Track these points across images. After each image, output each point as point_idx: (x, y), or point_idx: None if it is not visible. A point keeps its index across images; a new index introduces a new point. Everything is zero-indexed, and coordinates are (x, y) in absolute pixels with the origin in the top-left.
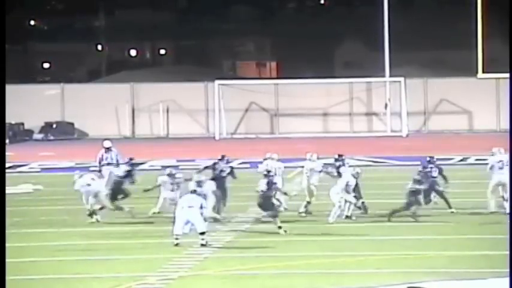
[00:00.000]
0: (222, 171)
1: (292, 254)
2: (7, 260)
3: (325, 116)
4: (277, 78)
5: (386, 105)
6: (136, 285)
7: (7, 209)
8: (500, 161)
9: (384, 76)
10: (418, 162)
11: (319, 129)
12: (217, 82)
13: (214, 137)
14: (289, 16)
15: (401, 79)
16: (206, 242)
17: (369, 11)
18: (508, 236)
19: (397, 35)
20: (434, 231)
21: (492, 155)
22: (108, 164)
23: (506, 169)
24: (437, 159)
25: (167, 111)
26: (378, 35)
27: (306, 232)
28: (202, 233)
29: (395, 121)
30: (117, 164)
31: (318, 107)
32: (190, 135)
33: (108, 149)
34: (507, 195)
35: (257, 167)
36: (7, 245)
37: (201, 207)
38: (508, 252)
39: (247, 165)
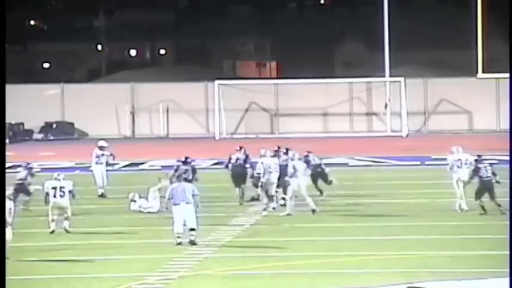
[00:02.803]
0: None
1: (292, 254)
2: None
3: (325, 116)
4: (277, 78)
5: (386, 105)
6: (136, 285)
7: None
8: (458, 159)
9: (383, 76)
10: (418, 162)
11: (319, 129)
12: (217, 82)
13: (214, 137)
14: (290, 16)
15: (401, 79)
16: (195, 239)
17: (369, 10)
18: (508, 236)
19: (397, 35)
20: (434, 231)
21: (451, 154)
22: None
23: (465, 168)
24: (436, 159)
25: (167, 111)
26: (378, 35)
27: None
28: (193, 229)
29: (395, 121)
30: (107, 164)
31: (318, 106)
32: (190, 135)
33: (101, 148)
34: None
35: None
36: (7, 245)
37: (194, 195)
38: (508, 252)
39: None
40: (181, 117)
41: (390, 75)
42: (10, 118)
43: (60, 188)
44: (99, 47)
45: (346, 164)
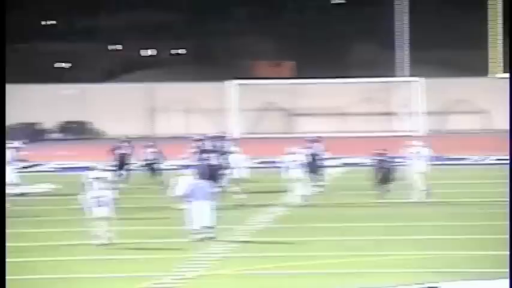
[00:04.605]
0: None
1: (310, 253)
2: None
3: (342, 116)
4: (294, 78)
5: (404, 105)
6: (153, 285)
7: (24, 207)
8: (417, 152)
9: (402, 76)
10: (437, 162)
11: (336, 128)
12: (234, 82)
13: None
14: (306, 16)
15: (420, 79)
16: (211, 236)
17: (387, 10)
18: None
19: (416, 34)
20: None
21: (410, 146)
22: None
23: (423, 159)
24: (455, 158)
25: (185, 110)
26: (396, 35)
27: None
28: (210, 227)
29: (414, 121)
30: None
31: (334, 106)
32: (209, 134)
33: (18, 150)
34: (422, 184)
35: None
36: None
37: (211, 193)
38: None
39: (265, 165)
40: (199, 117)
41: (408, 75)
42: (29, 118)
43: (101, 178)
44: (118, 47)
45: (363, 164)
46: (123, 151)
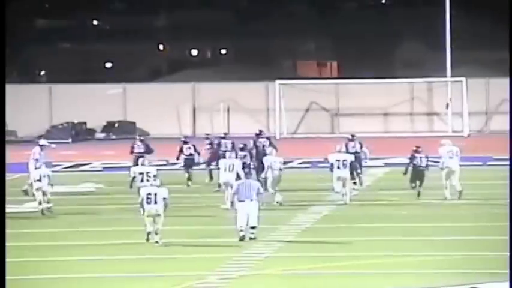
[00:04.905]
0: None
1: (353, 254)
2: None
3: (385, 116)
4: (338, 78)
5: (447, 105)
6: (196, 284)
7: (70, 206)
8: (449, 151)
9: (445, 76)
10: (480, 163)
11: (380, 129)
12: (277, 82)
13: (275, 137)
14: (350, 15)
15: (463, 79)
16: (255, 236)
17: (430, 10)
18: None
19: (459, 34)
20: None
21: (442, 146)
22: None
23: (455, 158)
24: (498, 159)
25: (228, 110)
26: (439, 35)
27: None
28: (253, 227)
29: (457, 121)
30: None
31: (378, 106)
32: (251, 134)
33: (42, 148)
34: (455, 183)
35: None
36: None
37: (258, 193)
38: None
39: (308, 165)
40: (242, 117)
41: (452, 75)
42: (73, 117)
43: (147, 173)
44: (161, 47)
45: (406, 164)
46: (138, 150)
